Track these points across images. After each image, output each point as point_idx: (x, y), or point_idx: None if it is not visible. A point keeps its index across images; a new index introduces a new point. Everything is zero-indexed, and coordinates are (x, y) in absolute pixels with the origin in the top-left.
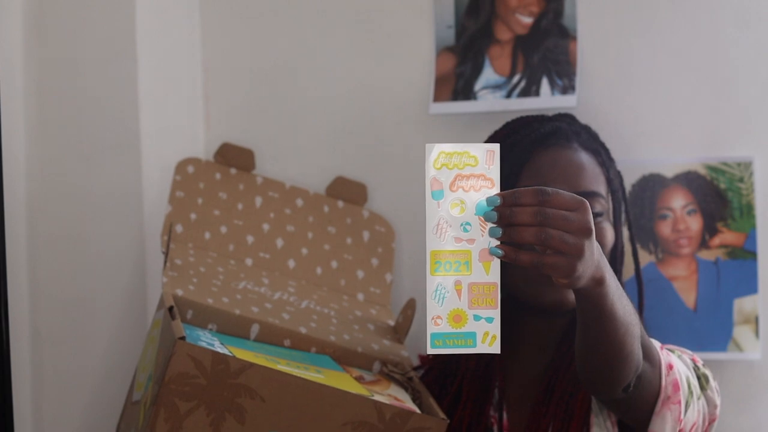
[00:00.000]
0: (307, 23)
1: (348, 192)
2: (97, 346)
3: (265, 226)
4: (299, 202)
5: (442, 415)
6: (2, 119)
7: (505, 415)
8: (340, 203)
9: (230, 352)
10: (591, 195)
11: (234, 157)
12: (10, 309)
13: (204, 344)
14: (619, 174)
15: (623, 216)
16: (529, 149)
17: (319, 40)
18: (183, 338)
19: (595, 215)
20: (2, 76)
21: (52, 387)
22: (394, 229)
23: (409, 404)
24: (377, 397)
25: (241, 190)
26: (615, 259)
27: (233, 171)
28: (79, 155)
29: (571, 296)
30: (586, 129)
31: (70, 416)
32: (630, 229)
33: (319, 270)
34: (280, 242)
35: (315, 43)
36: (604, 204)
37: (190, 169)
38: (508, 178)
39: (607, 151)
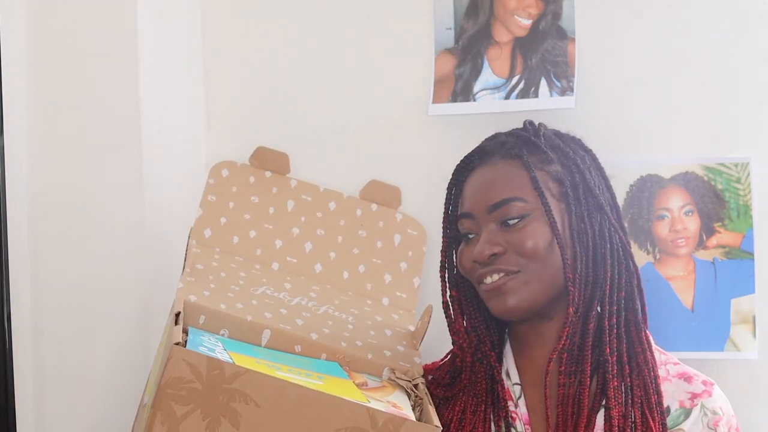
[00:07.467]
0: (307, 25)
1: (382, 195)
2: (99, 345)
3: (295, 230)
4: (332, 205)
5: (436, 422)
6: (5, 120)
7: (525, 411)
8: (374, 206)
9: (230, 358)
10: (502, 203)
11: (269, 161)
12: (12, 309)
13: (204, 349)
14: (570, 168)
15: (587, 212)
16: (461, 180)
17: (318, 42)
18: (179, 343)
19: (510, 219)
20: (5, 78)
21: (53, 386)
22: (426, 231)
23: (407, 411)
24: (374, 404)
25: (274, 193)
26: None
27: (268, 174)
28: (80, 155)
29: (510, 302)
30: (516, 134)
31: (72, 415)
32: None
33: (346, 274)
34: (308, 246)
35: (315, 44)
36: (524, 206)
37: (225, 172)
38: (452, 217)
39: (538, 148)
